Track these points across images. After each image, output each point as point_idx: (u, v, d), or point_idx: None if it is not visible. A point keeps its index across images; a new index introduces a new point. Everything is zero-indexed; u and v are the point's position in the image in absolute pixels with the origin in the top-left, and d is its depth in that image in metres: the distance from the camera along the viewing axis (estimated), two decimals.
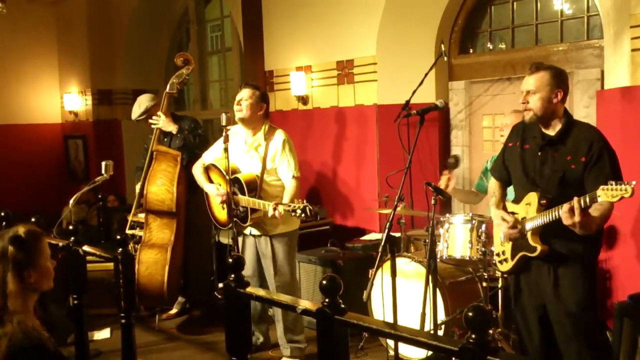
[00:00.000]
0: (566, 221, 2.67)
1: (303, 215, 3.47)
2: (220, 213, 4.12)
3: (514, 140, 3.14)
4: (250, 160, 4.00)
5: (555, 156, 2.92)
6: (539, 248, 2.88)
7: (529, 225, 2.92)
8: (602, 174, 2.78)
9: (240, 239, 4.08)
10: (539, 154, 2.97)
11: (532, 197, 2.93)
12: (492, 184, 3.31)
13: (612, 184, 2.51)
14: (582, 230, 2.68)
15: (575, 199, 2.64)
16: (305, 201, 3.51)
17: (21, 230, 2.19)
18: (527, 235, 2.93)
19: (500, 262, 3.14)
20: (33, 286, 2.19)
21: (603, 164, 2.81)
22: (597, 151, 2.82)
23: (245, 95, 3.95)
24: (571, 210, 2.64)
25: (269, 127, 4.03)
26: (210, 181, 4.15)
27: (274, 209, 3.62)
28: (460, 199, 4.65)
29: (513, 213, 3.07)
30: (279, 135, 3.99)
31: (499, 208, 3.16)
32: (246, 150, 4.01)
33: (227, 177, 3.85)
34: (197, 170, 4.21)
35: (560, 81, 2.93)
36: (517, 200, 3.08)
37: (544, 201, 2.87)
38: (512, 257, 3.04)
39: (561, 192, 2.84)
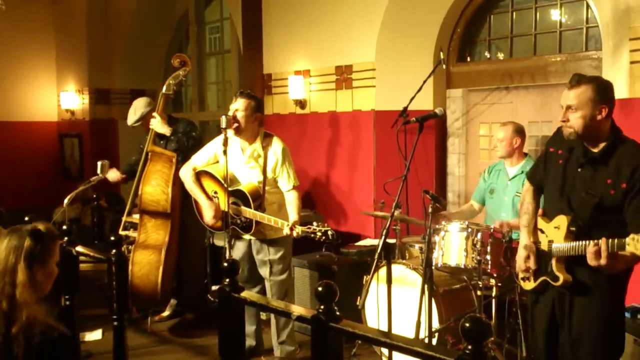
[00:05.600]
0: (591, 262, 2.52)
1: (324, 238, 3.42)
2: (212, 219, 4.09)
3: (557, 147, 2.86)
4: (251, 170, 3.96)
5: (595, 177, 2.68)
6: (561, 278, 2.71)
7: (554, 251, 2.75)
8: None
9: (232, 241, 4.08)
10: (579, 170, 2.74)
11: (562, 222, 2.72)
12: (527, 196, 3.02)
13: None
14: (609, 272, 2.54)
15: (603, 240, 2.48)
16: (327, 224, 3.47)
17: (41, 225, 2.22)
18: (551, 262, 2.77)
19: (523, 279, 2.98)
20: (38, 285, 2.19)
21: None
22: None
23: (240, 107, 3.88)
24: (597, 253, 2.49)
25: (264, 135, 3.98)
26: (202, 187, 4.06)
27: (291, 229, 3.58)
28: (458, 219, 4.65)
29: (541, 231, 2.88)
30: (277, 144, 3.92)
31: (529, 233, 2.90)
32: (245, 161, 3.95)
33: (226, 186, 3.79)
34: (188, 178, 4.06)
35: (604, 96, 2.66)
36: (547, 215, 2.88)
37: (574, 228, 2.67)
38: (535, 279, 2.89)
39: (595, 218, 2.64)
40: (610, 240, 2.48)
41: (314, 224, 3.50)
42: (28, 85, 8.61)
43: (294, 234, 3.59)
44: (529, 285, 2.94)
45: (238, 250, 4.10)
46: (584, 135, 2.68)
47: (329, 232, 3.41)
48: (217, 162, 4.02)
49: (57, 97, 8.82)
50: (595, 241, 2.53)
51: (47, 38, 8.65)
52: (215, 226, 4.06)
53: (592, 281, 2.67)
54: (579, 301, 2.73)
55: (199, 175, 4.08)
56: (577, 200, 2.72)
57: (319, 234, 3.44)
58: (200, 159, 4.11)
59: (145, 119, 4.84)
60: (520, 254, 2.91)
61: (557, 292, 2.80)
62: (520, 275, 2.99)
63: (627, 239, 2.41)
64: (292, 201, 3.88)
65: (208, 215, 3.98)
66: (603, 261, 2.49)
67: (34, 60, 8.58)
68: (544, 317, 2.88)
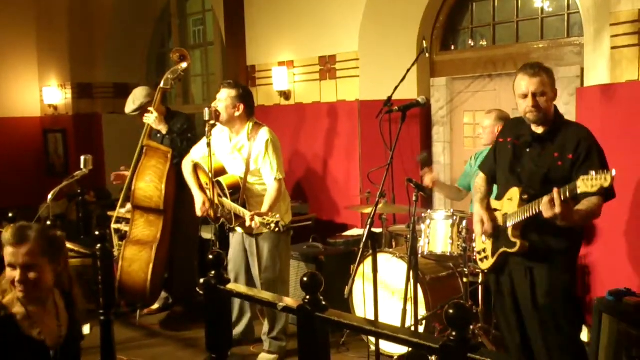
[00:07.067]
0: (546, 213, 2.64)
1: (277, 229, 3.53)
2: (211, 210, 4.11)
3: (506, 136, 3.11)
4: (234, 161, 3.96)
5: (542, 153, 2.91)
6: (518, 243, 2.87)
7: (509, 221, 2.91)
8: (591, 170, 2.71)
9: (231, 234, 4.13)
10: (527, 150, 2.96)
11: (514, 193, 2.92)
12: (479, 180, 3.26)
13: (592, 174, 2.47)
14: (564, 222, 2.66)
15: (555, 189, 2.62)
16: (278, 215, 3.57)
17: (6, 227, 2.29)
18: (507, 231, 2.91)
19: (481, 259, 3.12)
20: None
21: (592, 162, 2.78)
22: (586, 149, 2.82)
23: (221, 97, 3.89)
24: (551, 202, 2.62)
25: (253, 125, 3.93)
26: (199, 180, 4.11)
27: (251, 219, 3.64)
28: (445, 194, 4.68)
29: (495, 210, 3.05)
30: (263, 135, 3.88)
31: (482, 205, 3.12)
32: (229, 152, 3.97)
33: (211, 177, 3.82)
34: (187, 169, 4.16)
35: (554, 80, 2.96)
36: (499, 197, 3.07)
37: (526, 196, 2.85)
38: (493, 255, 3.03)
39: (544, 188, 2.79)
40: (562, 188, 2.61)
41: (270, 214, 3.59)
42: (10, 81, 8.50)
43: (253, 224, 3.63)
44: (488, 263, 3.07)
45: (233, 244, 4.13)
46: (546, 116, 2.90)
47: (279, 223, 3.53)
48: (214, 154, 4.02)
49: (39, 92, 8.72)
50: (549, 194, 2.66)
51: (28, 32, 8.52)
52: (210, 217, 4.08)
53: (547, 247, 2.85)
54: (538, 269, 2.89)
55: (196, 167, 4.13)
56: (527, 173, 2.94)
57: (272, 225, 3.53)
58: (196, 152, 4.14)
59: (143, 108, 4.76)
60: (478, 220, 3.08)
61: (515, 265, 2.96)
62: (478, 257, 3.12)
63: (578, 182, 2.52)
64: (268, 192, 3.87)
65: (197, 206, 4.03)
66: (557, 209, 2.60)
67: (15, 55, 8.46)
68: (509, 296, 3.01)
